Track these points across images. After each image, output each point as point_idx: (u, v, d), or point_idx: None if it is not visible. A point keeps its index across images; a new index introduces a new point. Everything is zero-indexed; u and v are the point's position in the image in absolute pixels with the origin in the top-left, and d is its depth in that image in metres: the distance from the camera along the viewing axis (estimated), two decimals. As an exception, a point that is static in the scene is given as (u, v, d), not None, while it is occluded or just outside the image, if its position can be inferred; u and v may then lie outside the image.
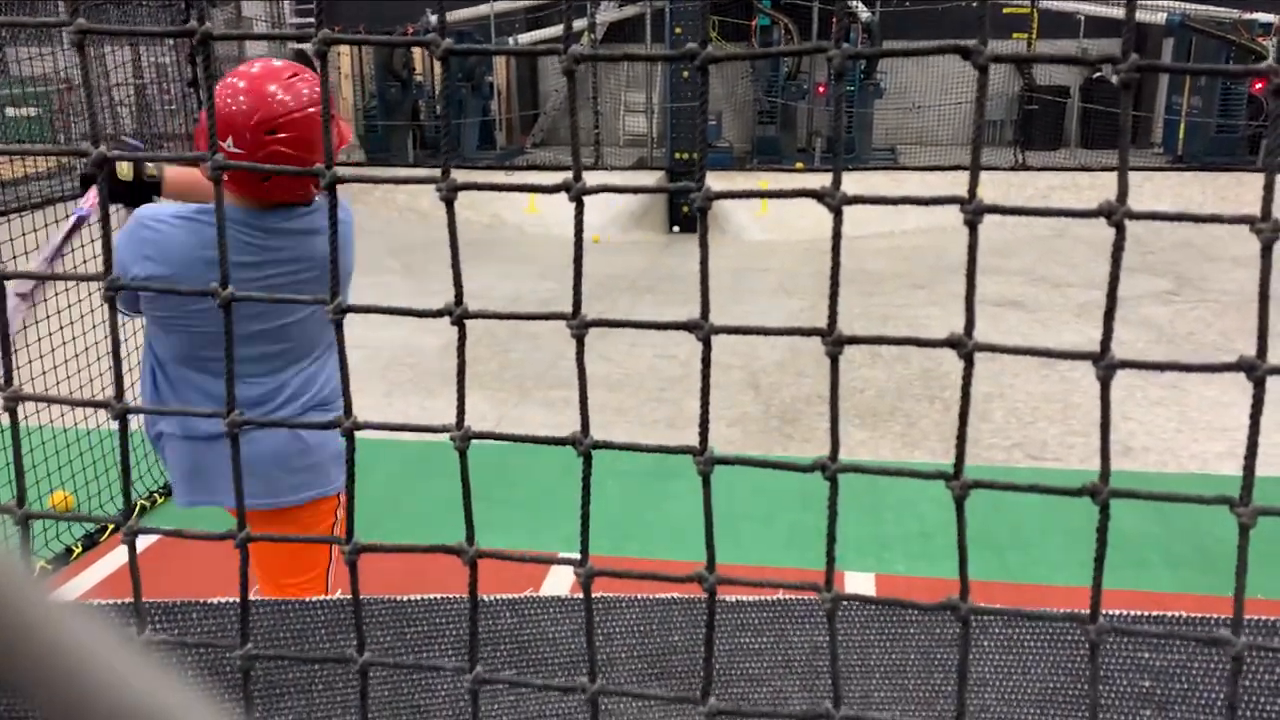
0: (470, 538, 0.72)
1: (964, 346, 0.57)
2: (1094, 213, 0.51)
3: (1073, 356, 0.55)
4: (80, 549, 4.01)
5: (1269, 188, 0.49)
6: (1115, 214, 0.50)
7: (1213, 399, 5.66)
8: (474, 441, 0.73)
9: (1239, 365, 0.53)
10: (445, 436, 0.75)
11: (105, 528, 4.12)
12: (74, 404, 0.78)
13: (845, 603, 0.74)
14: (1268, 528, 0.91)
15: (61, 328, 4.16)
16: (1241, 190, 11.51)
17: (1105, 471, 0.58)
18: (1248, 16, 12.53)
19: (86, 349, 4.24)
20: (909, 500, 4.36)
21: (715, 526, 0.74)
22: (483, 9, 14.08)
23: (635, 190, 0.64)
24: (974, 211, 0.54)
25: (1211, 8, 12.97)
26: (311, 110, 2.06)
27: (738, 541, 4.04)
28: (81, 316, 4.24)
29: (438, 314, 0.66)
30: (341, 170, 0.67)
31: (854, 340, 0.60)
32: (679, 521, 4.20)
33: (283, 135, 2.04)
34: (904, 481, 4.58)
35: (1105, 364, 0.54)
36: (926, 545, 4.04)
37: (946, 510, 4.14)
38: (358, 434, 0.76)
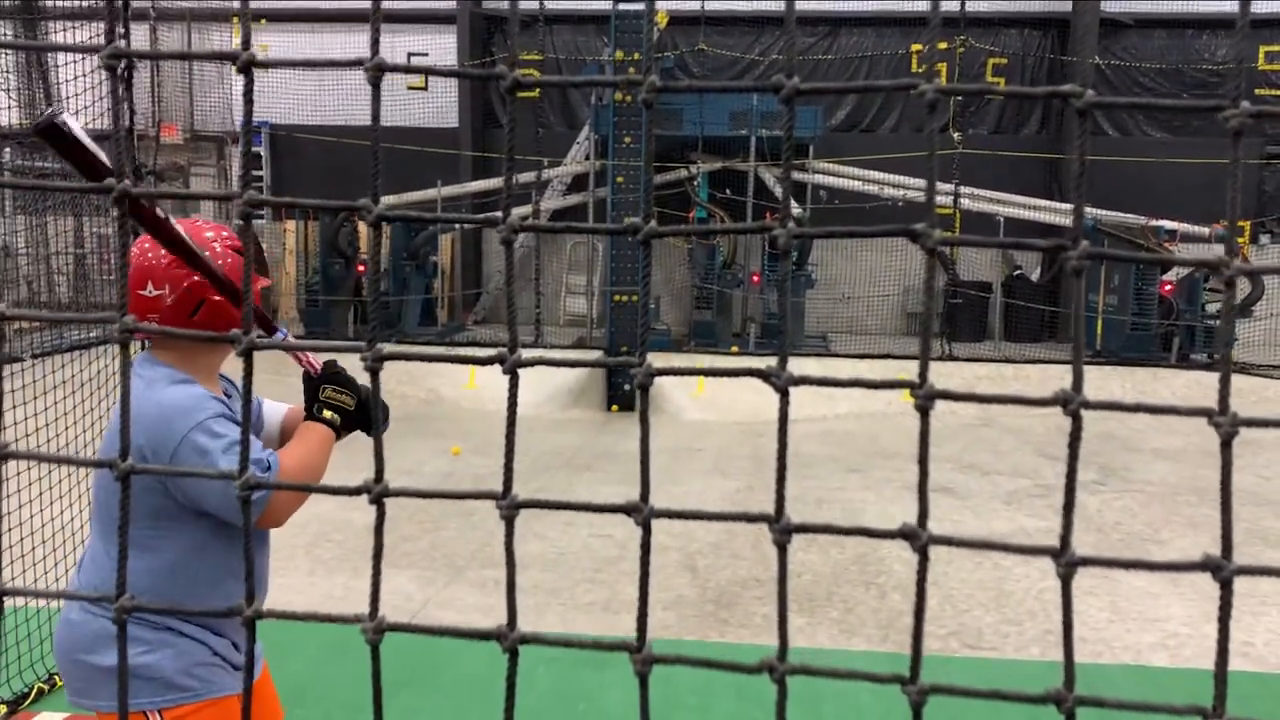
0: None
1: (918, 539, 0.54)
2: (1050, 401, 0.49)
3: (1035, 552, 0.52)
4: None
5: (1225, 380, 0.47)
6: (1072, 403, 0.48)
7: (1142, 589, 5.66)
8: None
9: (1204, 565, 0.50)
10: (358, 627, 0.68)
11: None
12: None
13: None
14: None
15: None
16: (1157, 384, 11.96)
17: (1070, 678, 0.54)
18: (1153, 223, 13.40)
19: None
20: (849, 692, 4.22)
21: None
22: (430, 193, 14.48)
23: (573, 364, 0.62)
24: (925, 397, 0.52)
25: (1120, 214, 13.87)
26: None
27: (672, 736, 3.85)
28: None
29: (355, 492, 0.61)
30: (262, 339, 0.64)
31: (802, 529, 0.56)
32: (613, 713, 3.99)
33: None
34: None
35: (1066, 561, 0.51)
36: (867, 741, 3.88)
37: (886, 702, 4.00)
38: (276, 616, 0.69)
